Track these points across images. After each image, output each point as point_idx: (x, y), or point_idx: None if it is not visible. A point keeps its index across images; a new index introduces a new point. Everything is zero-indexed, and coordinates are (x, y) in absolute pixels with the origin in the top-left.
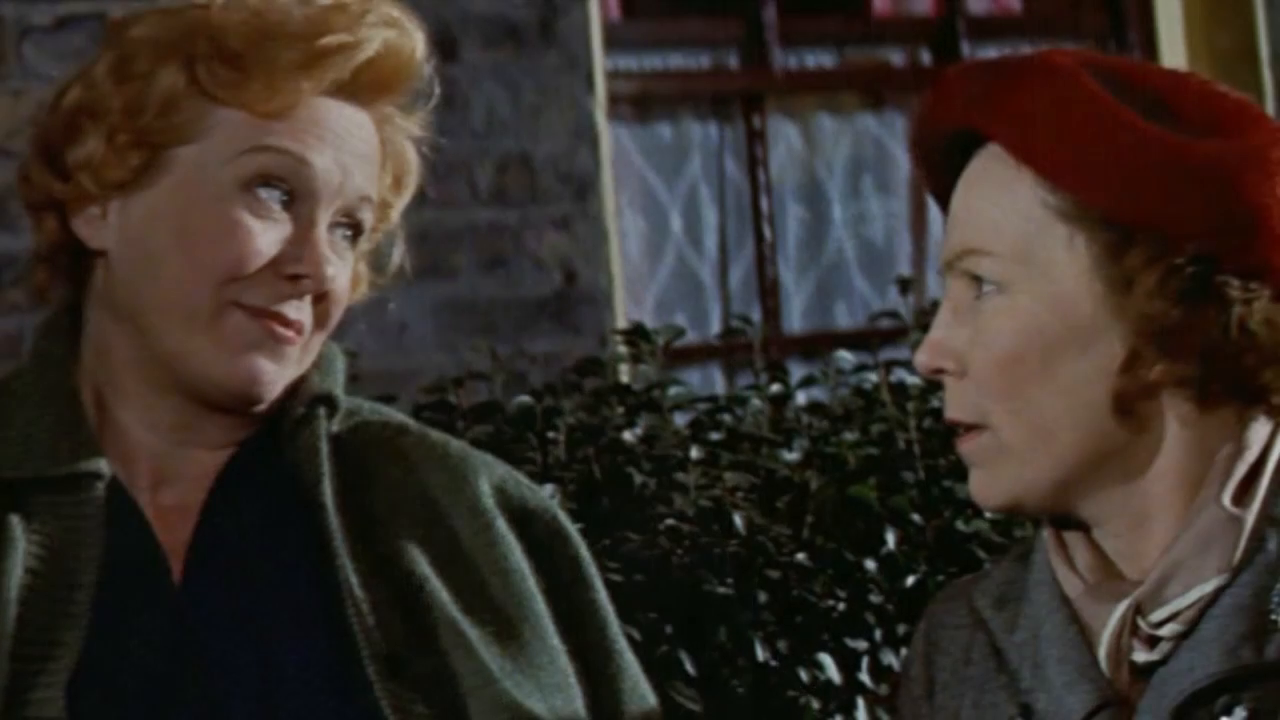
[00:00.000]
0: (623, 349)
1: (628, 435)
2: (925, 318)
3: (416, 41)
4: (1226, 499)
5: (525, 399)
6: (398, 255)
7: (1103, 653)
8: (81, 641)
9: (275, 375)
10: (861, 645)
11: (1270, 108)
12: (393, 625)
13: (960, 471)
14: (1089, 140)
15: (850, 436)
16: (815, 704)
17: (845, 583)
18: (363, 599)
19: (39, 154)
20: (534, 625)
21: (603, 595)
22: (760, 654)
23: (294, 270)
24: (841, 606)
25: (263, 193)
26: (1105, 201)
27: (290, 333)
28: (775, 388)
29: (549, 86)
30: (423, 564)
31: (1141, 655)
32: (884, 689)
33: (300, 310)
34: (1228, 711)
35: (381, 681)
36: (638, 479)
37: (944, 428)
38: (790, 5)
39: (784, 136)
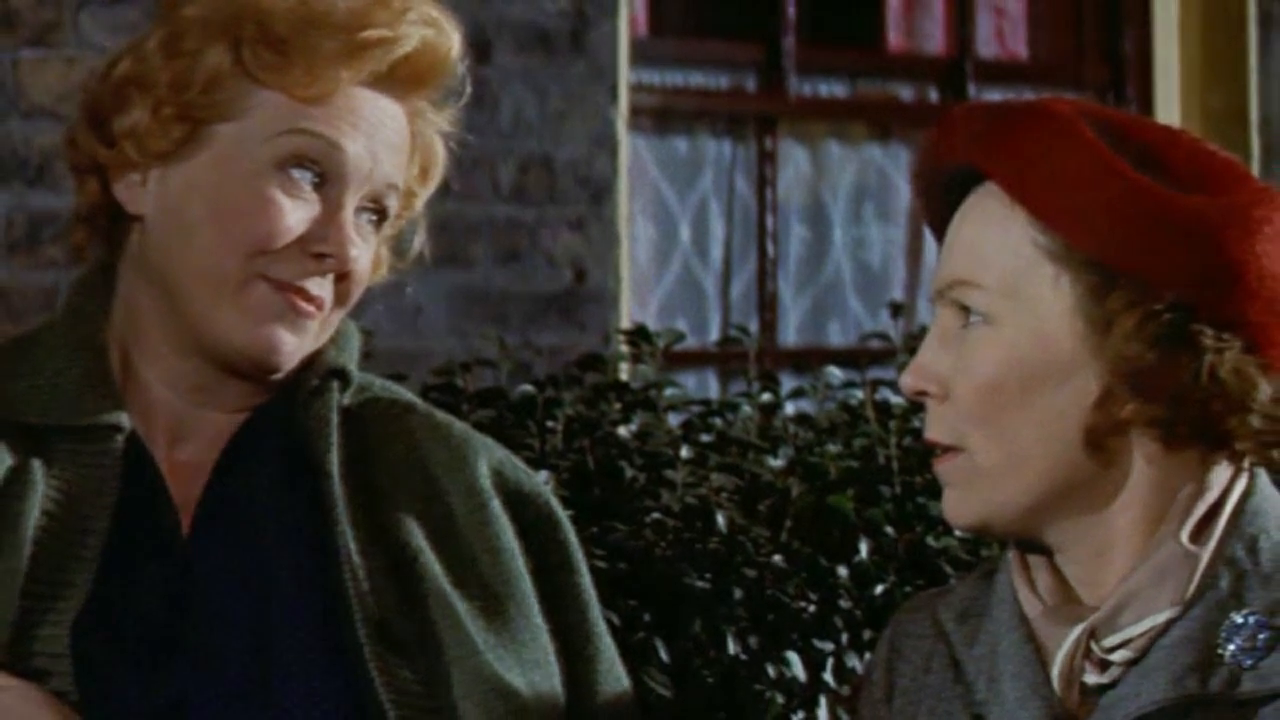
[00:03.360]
0: (624, 348)
1: (622, 430)
2: (913, 342)
3: (453, 41)
4: (1184, 536)
5: (528, 388)
6: (418, 242)
7: (1055, 672)
8: (90, 584)
9: (294, 346)
10: (828, 647)
11: (1256, 169)
12: (385, 592)
13: (935, 490)
14: (1081, 186)
15: (833, 448)
16: (780, 699)
17: (817, 587)
18: (359, 565)
19: (87, 120)
20: (519, 603)
21: (587, 580)
22: (732, 648)
23: (320, 249)
24: (812, 609)
25: (295, 173)
26: (1092, 245)
27: (311, 307)
28: (766, 397)
29: (575, 94)
30: (419, 536)
31: (1092, 677)
32: (846, 690)
33: (322, 287)
34: None
35: (370, 644)
36: (629, 473)
37: (923, 447)
38: (808, 35)
39: (793, 159)
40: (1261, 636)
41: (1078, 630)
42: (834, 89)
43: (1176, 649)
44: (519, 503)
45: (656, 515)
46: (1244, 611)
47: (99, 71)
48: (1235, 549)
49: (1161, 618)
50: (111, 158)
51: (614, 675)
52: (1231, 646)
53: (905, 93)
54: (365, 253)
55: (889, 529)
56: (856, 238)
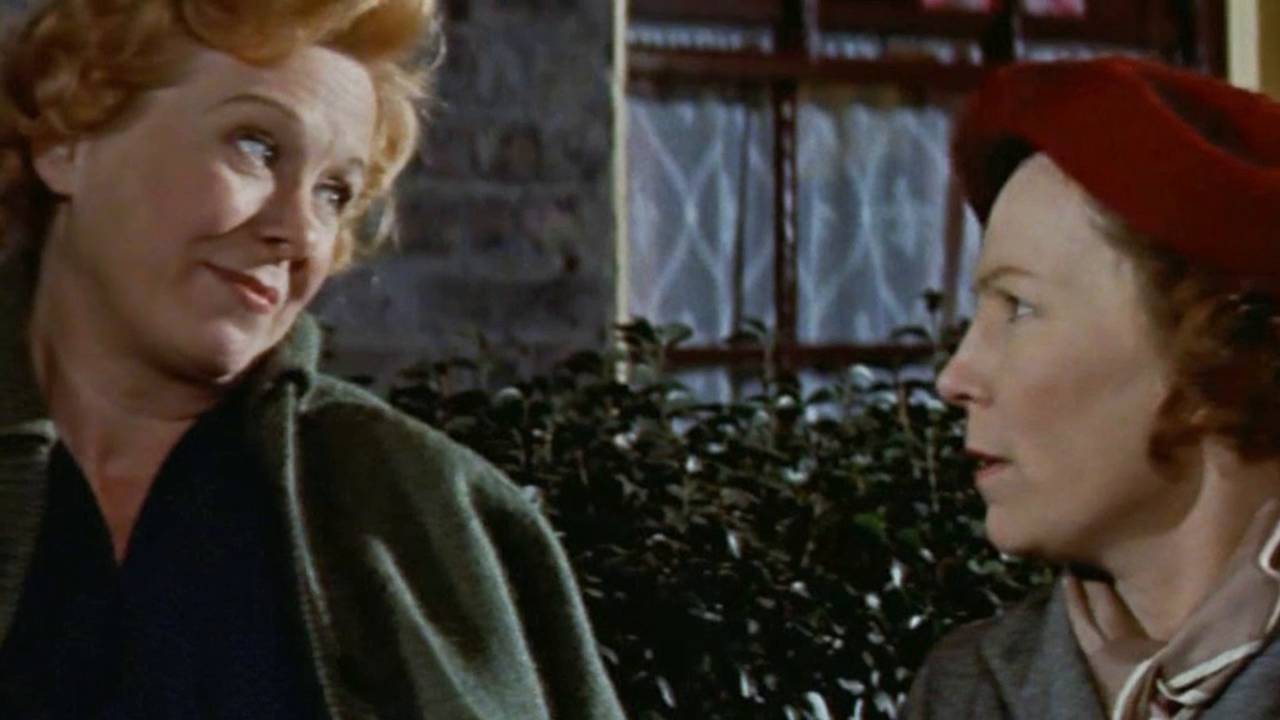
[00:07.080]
0: (622, 346)
1: (620, 440)
2: (953, 337)
3: None
4: (1265, 560)
5: (512, 392)
6: (386, 225)
7: (1117, 716)
8: (10, 618)
9: (243, 345)
10: (856, 688)
11: None
12: (349, 626)
13: (978, 507)
14: (1145, 159)
15: (862, 460)
16: None
17: (844, 618)
18: (319, 595)
19: (5, 85)
20: (503, 638)
21: (580, 611)
22: (746, 689)
23: (273, 233)
24: (838, 644)
25: (245, 146)
26: (1158, 227)
27: (263, 300)
28: (784, 401)
29: (564, 54)
30: (387, 562)
31: None
32: None
33: (276, 277)
34: None
35: (332, 686)
36: (628, 488)
37: (964, 458)
38: None
39: (815, 129)
40: None
41: (1142, 668)
42: (862, 48)
43: (1256, 689)
44: (502, 523)
45: (659, 537)
46: None
47: (19, 30)
48: None
49: (1238, 653)
50: (34, 129)
51: None
52: None
53: (943, 52)
54: (325, 237)
55: (925, 552)
56: (887, 218)
